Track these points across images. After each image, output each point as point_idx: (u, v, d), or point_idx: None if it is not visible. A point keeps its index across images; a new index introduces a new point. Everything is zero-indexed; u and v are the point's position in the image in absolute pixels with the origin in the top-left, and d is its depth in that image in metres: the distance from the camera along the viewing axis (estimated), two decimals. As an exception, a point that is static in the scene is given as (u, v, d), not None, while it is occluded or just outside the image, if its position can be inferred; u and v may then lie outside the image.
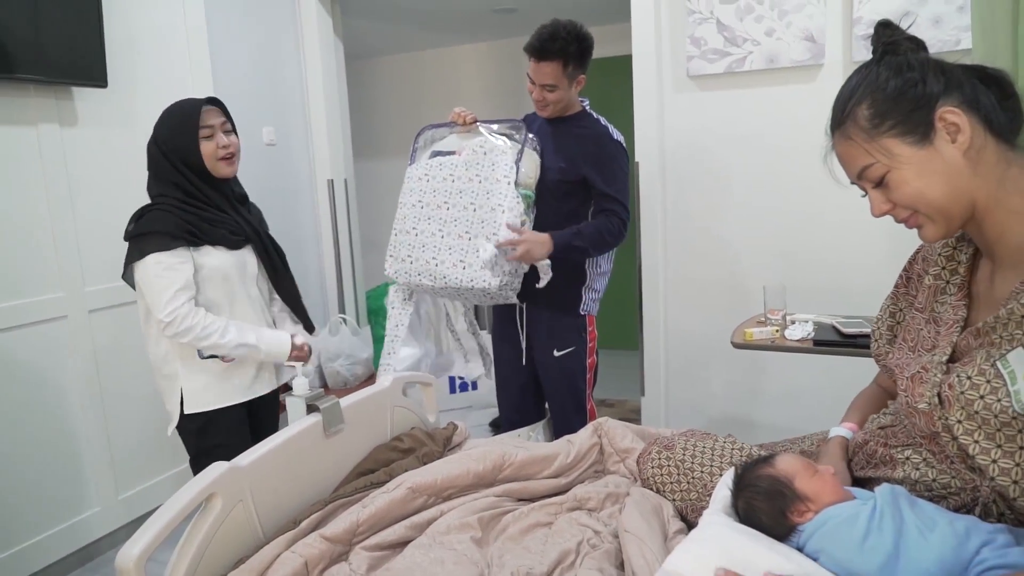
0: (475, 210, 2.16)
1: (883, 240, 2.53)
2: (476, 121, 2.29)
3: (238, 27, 3.07)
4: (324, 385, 3.22)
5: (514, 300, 2.30)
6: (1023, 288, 0.89)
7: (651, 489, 1.31)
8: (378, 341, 3.21)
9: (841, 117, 0.98)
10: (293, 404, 1.54)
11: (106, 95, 2.45)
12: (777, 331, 2.13)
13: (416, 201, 2.27)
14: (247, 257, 1.90)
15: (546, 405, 2.52)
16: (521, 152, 2.19)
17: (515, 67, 4.84)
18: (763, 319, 2.25)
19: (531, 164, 2.22)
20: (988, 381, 0.87)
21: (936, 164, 0.92)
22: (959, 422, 0.90)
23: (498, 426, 2.98)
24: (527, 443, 1.64)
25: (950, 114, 0.91)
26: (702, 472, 1.25)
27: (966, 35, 2.33)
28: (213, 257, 1.80)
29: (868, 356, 1.24)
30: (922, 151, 0.93)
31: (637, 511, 1.20)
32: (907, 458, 1.04)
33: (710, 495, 1.16)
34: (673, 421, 3.03)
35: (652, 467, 1.31)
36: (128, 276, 1.83)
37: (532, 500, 1.42)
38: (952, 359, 0.97)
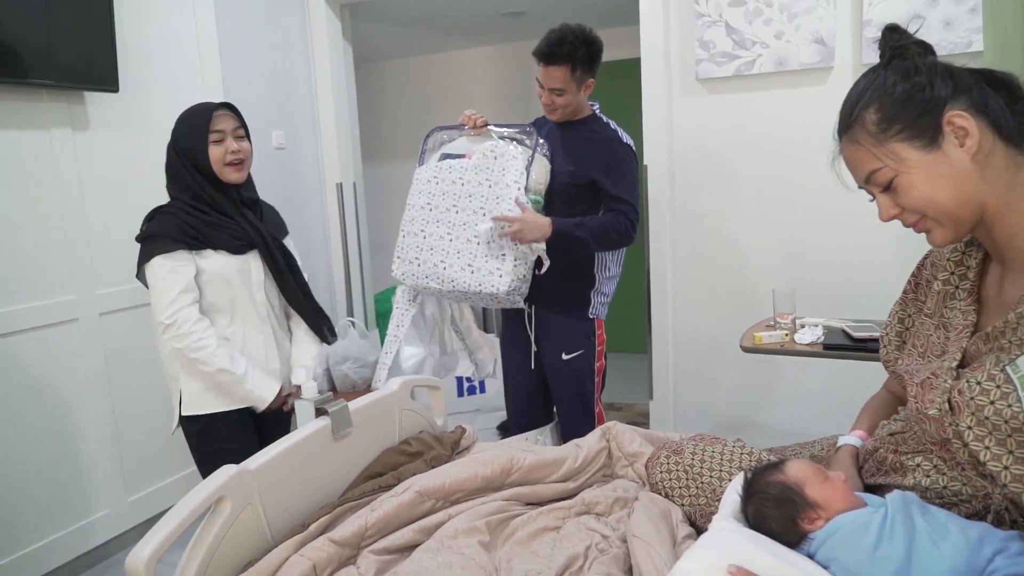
0: (484, 214, 2.16)
1: (893, 243, 2.51)
2: (487, 124, 2.30)
3: (248, 32, 3.09)
4: (332, 388, 3.22)
5: (521, 305, 2.30)
6: None
7: (660, 494, 1.31)
8: (386, 344, 3.22)
9: (848, 121, 0.98)
10: (302, 408, 1.54)
11: (118, 99, 2.47)
12: (786, 335, 2.12)
13: (425, 203, 2.28)
14: (252, 262, 1.89)
15: (554, 409, 2.52)
16: (532, 158, 2.19)
17: (523, 71, 4.84)
18: (772, 323, 2.23)
19: (541, 170, 2.22)
20: (998, 386, 0.86)
21: (944, 168, 0.92)
22: (969, 428, 0.90)
23: (506, 429, 2.98)
24: (535, 447, 1.64)
25: (958, 118, 0.90)
26: (711, 477, 1.25)
27: (977, 37, 2.32)
28: (215, 261, 1.81)
29: (878, 360, 1.24)
30: (930, 155, 0.92)
31: (646, 516, 1.19)
32: (917, 465, 1.03)
33: (719, 500, 1.15)
34: (681, 425, 3.02)
35: (661, 472, 1.30)
36: (141, 276, 1.85)
37: (540, 504, 1.41)
38: (962, 364, 0.96)
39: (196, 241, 1.78)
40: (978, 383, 0.88)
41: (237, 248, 1.84)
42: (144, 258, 1.78)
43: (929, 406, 0.94)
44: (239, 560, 1.20)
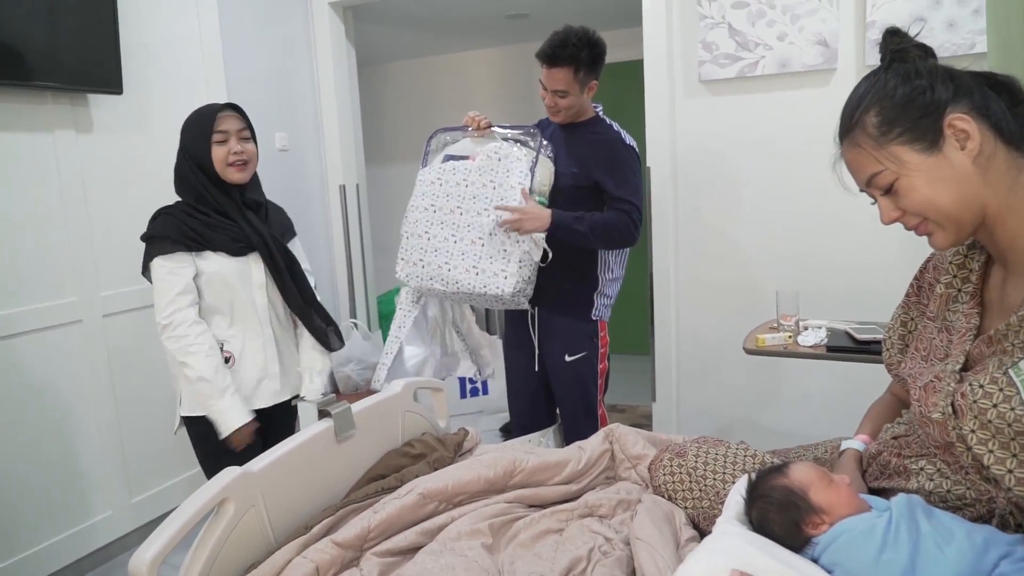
0: (488, 216, 2.16)
1: (897, 244, 2.51)
2: (491, 126, 2.30)
3: (251, 34, 3.09)
4: (335, 390, 3.22)
5: (526, 307, 2.30)
6: None
7: (663, 497, 1.30)
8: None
9: (849, 125, 0.98)
10: (305, 409, 1.55)
11: (121, 102, 2.47)
12: (790, 337, 2.12)
13: (428, 205, 2.28)
14: (252, 264, 1.87)
15: (557, 411, 2.52)
16: (536, 159, 2.20)
17: (527, 72, 4.85)
18: (775, 325, 2.23)
19: (546, 172, 2.22)
20: (1001, 389, 0.86)
21: (945, 171, 0.92)
22: (973, 432, 0.89)
23: (509, 431, 2.98)
24: (538, 449, 1.64)
25: (959, 121, 0.90)
26: (714, 480, 1.24)
27: (981, 39, 2.31)
28: (214, 263, 1.80)
29: (882, 362, 1.23)
30: (931, 158, 0.92)
31: (649, 518, 1.19)
32: (921, 468, 1.03)
33: (722, 503, 1.15)
34: (685, 426, 3.02)
35: (664, 474, 1.30)
36: (146, 274, 1.85)
37: (543, 506, 1.41)
38: (965, 368, 0.96)
39: (194, 243, 1.78)
40: (981, 386, 0.88)
41: (236, 250, 1.83)
42: (147, 258, 1.80)
43: (932, 410, 0.94)
44: (242, 562, 1.20)
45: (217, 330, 1.85)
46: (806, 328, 2.16)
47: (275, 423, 1.94)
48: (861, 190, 1.01)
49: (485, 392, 3.56)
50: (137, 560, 1.02)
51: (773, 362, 2.80)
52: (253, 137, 1.88)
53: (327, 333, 2.01)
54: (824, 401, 2.73)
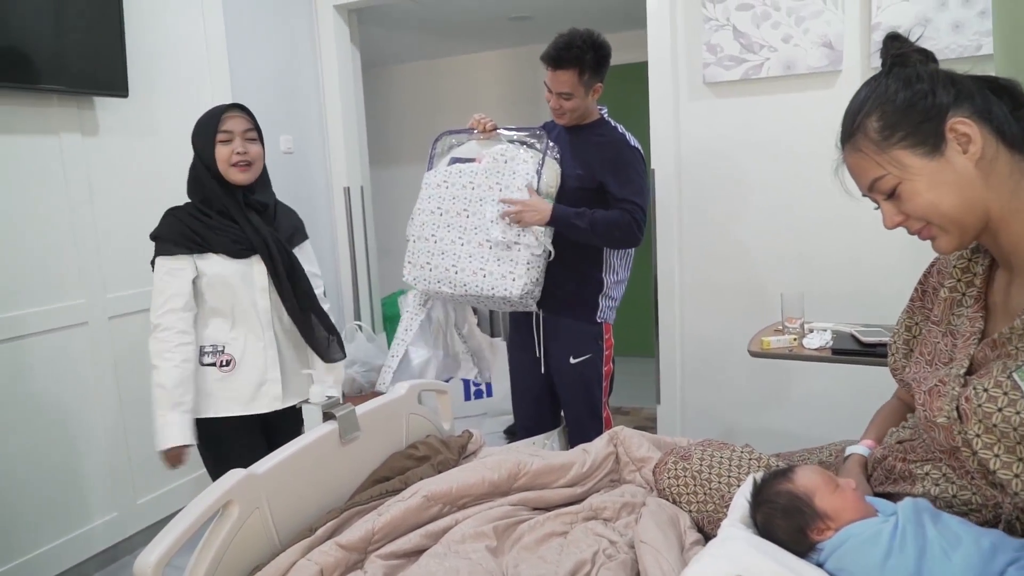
0: (494, 220, 2.17)
1: (902, 246, 2.50)
2: (496, 128, 2.30)
3: (257, 37, 3.10)
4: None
5: (534, 308, 2.30)
6: None
7: (667, 500, 1.30)
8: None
9: (851, 129, 0.98)
10: (309, 412, 1.55)
11: (127, 104, 2.48)
12: (795, 340, 2.11)
13: (435, 208, 2.28)
14: (255, 267, 1.85)
15: (561, 413, 2.52)
16: (542, 161, 2.20)
17: (531, 75, 4.85)
18: (781, 327, 2.23)
19: (552, 173, 2.22)
20: (1005, 393, 0.86)
21: (948, 175, 0.92)
22: (978, 436, 0.89)
23: (513, 433, 2.98)
24: (542, 451, 1.64)
25: (961, 124, 0.90)
26: (719, 483, 1.24)
27: (987, 40, 2.30)
28: (216, 265, 1.80)
29: (888, 366, 1.23)
30: (933, 162, 0.92)
31: (653, 521, 1.19)
32: (926, 473, 1.02)
33: (727, 506, 1.15)
34: (689, 429, 3.01)
35: (668, 478, 1.30)
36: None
37: (547, 509, 1.41)
38: (970, 371, 0.96)
39: (195, 244, 1.78)
40: (985, 390, 0.88)
41: (237, 252, 1.82)
42: (153, 257, 1.81)
43: (937, 414, 0.94)
44: (247, 564, 1.20)
45: (219, 333, 1.84)
46: (811, 330, 2.16)
47: (281, 429, 1.90)
48: (863, 195, 1.01)
49: (489, 394, 3.55)
50: (142, 562, 1.02)
51: (778, 364, 2.79)
52: (260, 138, 1.86)
53: (327, 343, 1.96)
54: (829, 404, 2.73)
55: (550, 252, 2.20)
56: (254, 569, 1.19)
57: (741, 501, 1.09)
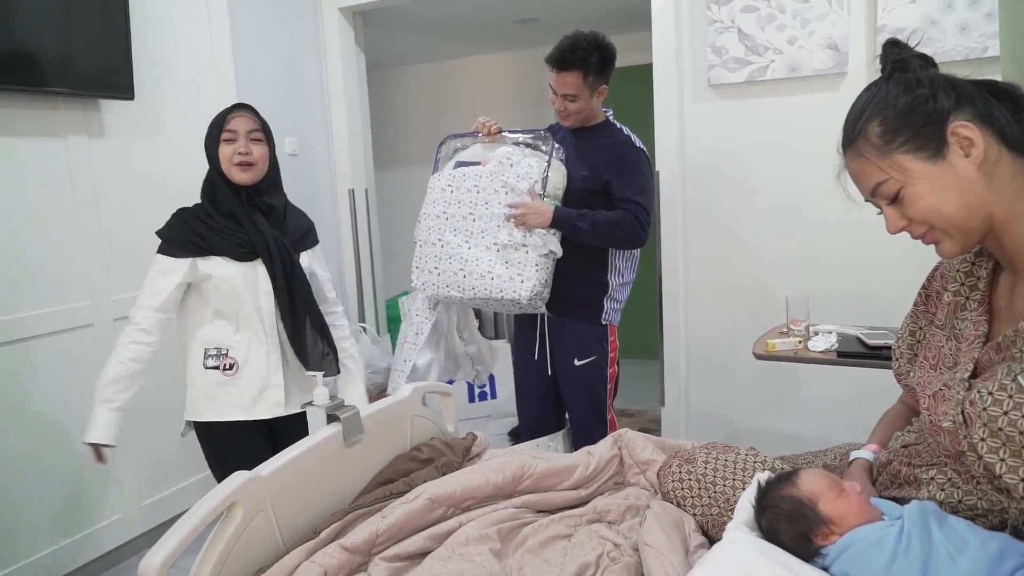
0: (500, 224, 2.17)
1: (908, 248, 2.48)
2: (501, 131, 2.30)
3: (262, 39, 3.11)
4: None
5: (543, 310, 2.30)
6: None
7: (672, 503, 1.30)
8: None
9: (852, 135, 0.98)
10: (313, 414, 1.55)
11: (133, 107, 2.49)
12: (800, 342, 2.10)
13: (441, 212, 2.28)
14: (260, 270, 1.83)
15: (566, 415, 2.51)
16: (548, 163, 2.20)
17: (536, 77, 4.85)
18: (786, 330, 2.22)
19: (558, 175, 2.22)
20: (1010, 396, 0.85)
21: (950, 179, 0.92)
22: (983, 440, 0.89)
23: (517, 435, 2.98)
24: (546, 454, 1.63)
25: (963, 128, 0.90)
26: (724, 486, 1.24)
27: (994, 42, 2.30)
28: (222, 267, 1.79)
29: (891, 370, 1.23)
30: (935, 166, 0.92)
31: (657, 524, 1.19)
32: (932, 478, 1.02)
33: (732, 510, 1.15)
34: (693, 431, 3.00)
35: (673, 481, 1.30)
36: None
37: (551, 512, 1.41)
38: (974, 375, 0.96)
39: (197, 248, 1.77)
40: (990, 393, 0.87)
41: (241, 255, 1.80)
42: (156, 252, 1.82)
43: (943, 418, 0.93)
44: (251, 566, 1.20)
45: (223, 336, 1.83)
46: (816, 333, 2.15)
47: (286, 434, 1.87)
48: (866, 200, 1.01)
49: (494, 396, 3.55)
50: (147, 564, 1.02)
51: (783, 367, 2.78)
52: (267, 139, 1.86)
53: (320, 356, 1.90)
54: (834, 406, 2.72)
55: (554, 253, 2.20)
56: (258, 571, 1.19)
57: (746, 504, 1.09)
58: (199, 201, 1.85)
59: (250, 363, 1.84)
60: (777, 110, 2.68)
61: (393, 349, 3.46)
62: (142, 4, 2.50)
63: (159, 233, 1.81)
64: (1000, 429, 0.86)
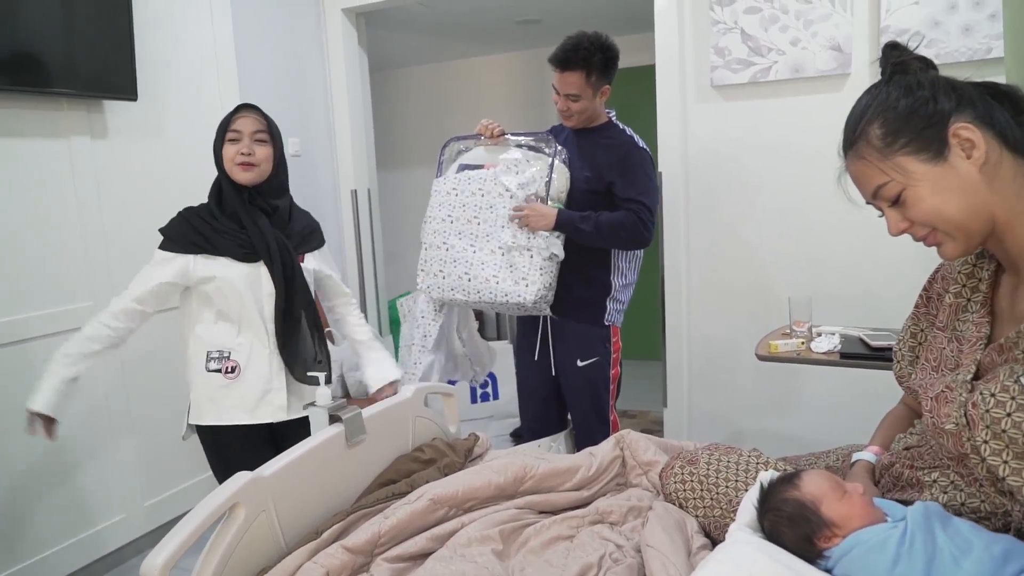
0: (504, 226, 2.17)
1: (911, 249, 2.47)
2: (504, 134, 2.30)
3: (265, 40, 3.11)
4: (346, 395, 3.23)
5: (548, 312, 2.30)
6: None
7: (674, 504, 1.30)
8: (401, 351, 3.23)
9: (853, 137, 0.98)
10: (316, 415, 1.55)
11: (136, 108, 2.50)
12: (803, 343, 2.10)
13: (445, 216, 2.28)
14: (262, 271, 1.82)
15: (568, 416, 2.51)
16: (552, 166, 2.20)
17: (539, 78, 4.85)
18: (788, 331, 2.22)
19: (562, 178, 2.23)
20: (1013, 398, 0.85)
21: (952, 180, 0.92)
22: (986, 442, 0.88)
23: (520, 436, 2.97)
24: (549, 454, 1.63)
25: (964, 130, 0.90)
26: (727, 488, 1.23)
27: (997, 43, 2.29)
28: (223, 267, 1.78)
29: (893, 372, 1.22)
30: (937, 168, 0.92)
31: (660, 526, 1.19)
32: (934, 480, 1.02)
33: (735, 511, 1.14)
34: (696, 432, 3.00)
35: (675, 482, 1.29)
36: None
37: (554, 513, 1.41)
38: (977, 377, 0.95)
39: (196, 246, 1.77)
40: (992, 395, 0.87)
41: (243, 256, 1.80)
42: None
43: (946, 420, 0.93)
44: (253, 567, 1.20)
45: (225, 338, 1.82)
46: (819, 334, 2.15)
47: (289, 437, 1.85)
48: (867, 202, 1.01)
49: (496, 397, 3.55)
50: (149, 564, 1.02)
51: (785, 368, 2.78)
52: (272, 140, 1.85)
53: (307, 361, 1.88)
54: (837, 408, 2.71)
55: (557, 256, 2.20)
56: (260, 572, 1.19)
57: (749, 505, 1.08)
58: (205, 201, 1.86)
59: (252, 366, 1.83)
60: (780, 111, 2.68)
61: (395, 350, 3.46)
62: (145, 5, 2.50)
63: (162, 230, 1.82)
64: (1003, 431, 0.86)
